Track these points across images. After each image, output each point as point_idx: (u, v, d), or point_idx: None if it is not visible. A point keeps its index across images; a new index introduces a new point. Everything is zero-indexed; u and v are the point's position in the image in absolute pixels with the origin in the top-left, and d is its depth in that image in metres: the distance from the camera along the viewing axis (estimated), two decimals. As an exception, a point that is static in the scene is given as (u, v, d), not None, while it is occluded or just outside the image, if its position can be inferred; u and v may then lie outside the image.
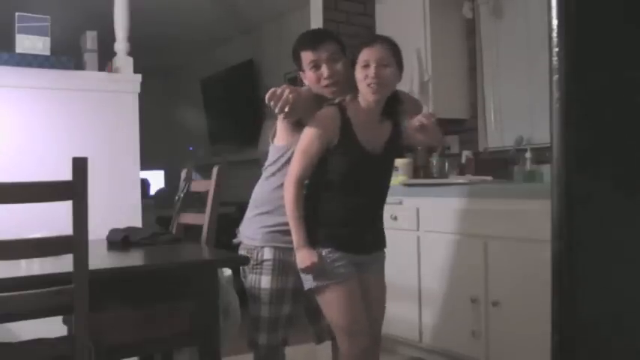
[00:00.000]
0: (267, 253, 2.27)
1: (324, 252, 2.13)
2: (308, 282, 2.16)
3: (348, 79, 2.24)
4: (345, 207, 2.18)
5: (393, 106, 2.26)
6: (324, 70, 2.24)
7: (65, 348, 1.71)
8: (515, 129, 3.53)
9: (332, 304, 2.14)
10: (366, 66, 2.13)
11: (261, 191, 2.38)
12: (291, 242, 2.24)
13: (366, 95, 2.16)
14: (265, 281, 2.26)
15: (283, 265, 2.26)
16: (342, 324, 2.14)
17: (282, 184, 2.27)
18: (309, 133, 2.16)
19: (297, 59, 2.31)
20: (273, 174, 2.32)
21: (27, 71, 2.97)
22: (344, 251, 2.15)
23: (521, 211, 2.75)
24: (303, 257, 2.12)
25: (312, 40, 2.29)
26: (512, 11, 3.63)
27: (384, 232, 2.33)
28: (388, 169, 2.33)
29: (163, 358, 2.55)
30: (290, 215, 2.14)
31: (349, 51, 2.27)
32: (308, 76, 2.29)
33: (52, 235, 1.75)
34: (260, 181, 2.39)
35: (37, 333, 1.78)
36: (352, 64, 2.20)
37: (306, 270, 2.12)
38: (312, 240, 2.14)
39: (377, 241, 2.30)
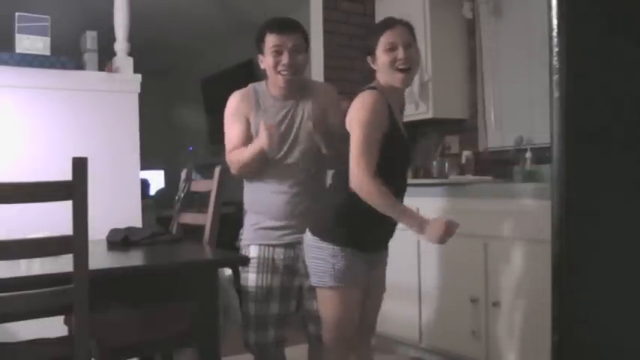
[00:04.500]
0: (253, 251, 2.29)
1: (340, 254, 2.05)
2: (317, 279, 2.10)
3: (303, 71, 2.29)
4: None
5: None
6: (285, 57, 2.24)
7: (65, 348, 1.71)
8: (515, 129, 3.53)
9: (331, 305, 2.10)
10: (392, 49, 2.06)
11: (246, 190, 2.41)
12: (278, 238, 2.24)
13: (393, 81, 2.07)
14: (252, 279, 2.27)
15: (269, 263, 2.27)
16: (335, 326, 2.11)
17: (260, 182, 2.28)
18: (364, 123, 1.98)
19: (260, 42, 2.30)
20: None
21: (27, 71, 2.97)
22: (362, 251, 2.09)
23: (521, 211, 2.75)
24: (435, 229, 1.94)
25: (281, 25, 2.28)
26: (512, 11, 3.63)
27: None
28: (411, 157, 2.28)
29: (163, 358, 2.55)
30: (386, 211, 1.96)
31: (362, 42, 2.24)
32: (266, 61, 2.28)
33: (52, 235, 1.75)
34: (245, 179, 2.41)
35: (37, 333, 1.78)
36: (368, 52, 2.12)
37: (447, 237, 1.95)
38: (332, 237, 2.06)
39: (388, 238, 2.25)
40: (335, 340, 2.13)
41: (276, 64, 2.25)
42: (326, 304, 2.12)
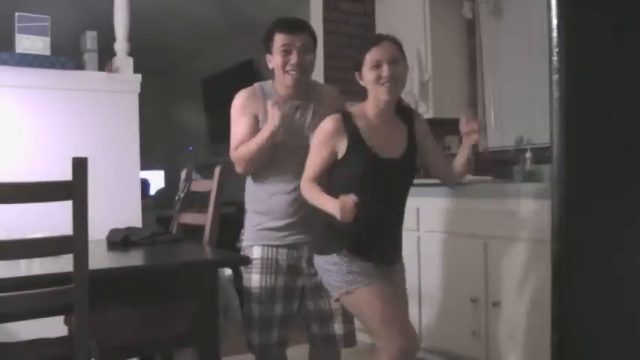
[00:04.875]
0: (256, 252, 2.28)
1: (344, 258, 2.07)
2: (335, 290, 2.11)
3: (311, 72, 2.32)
4: (360, 215, 2.04)
5: (402, 106, 2.24)
6: (294, 57, 2.24)
7: (65, 348, 1.71)
8: (515, 129, 3.53)
9: (363, 307, 2.08)
10: (377, 66, 2.09)
11: (248, 190, 2.40)
12: (280, 239, 2.25)
13: (379, 96, 2.12)
14: (255, 280, 2.27)
15: (273, 264, 2.27)
16: (379, 326, 2.06)
17: (263, 182, 2.28)
18: (315, 141, 2.16)
19: (268, 41, 2.30)
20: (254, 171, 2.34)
21: (27, 71, 2.97)
22: (357, 255, 2.10)
23: (521, 211, 2.75)
24: (335, 207, 1.97)
25: (290, 25, 2.29)
26: (512, 11, 3.63)
27: (401, 243, 2.26)
28: (408, 175, 2.24)
29: (163, 358, 2.55)
30: (313, 202, 2.11)
31: (357, 54, 2.23)
32: (275, 60, 2.28)
33: (52, 235, 1.75)
34: (247, 179, 2.40)
35: (37, 333, 1.78)
36: (356, 67, 2.16)
37: (345, 213, 1.96)
38: (329, 248, 2.11)
39: (396, 253, 2.25)
40: (386, 340, 2.04)
41: (284, 64, 2.25)
42: (353, 310, 2.14)
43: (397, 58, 2.12)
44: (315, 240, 2.21)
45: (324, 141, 2.14)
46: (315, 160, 2.16)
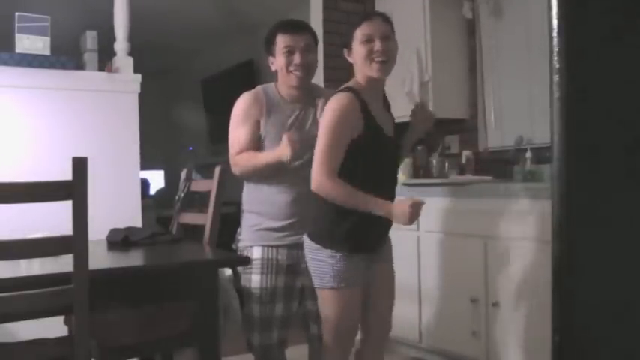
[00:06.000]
0: (256, 252, 2.29)
1: (337, 255, 2.06)
2: (320, 280, 2.10)
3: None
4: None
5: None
6: (297, 57, 2.26)
7: (65, 348, 1.71)
8: (515, 129, 3.53)
9: (332, 305, 2.10)
10: (369, 41, 2.03)
11: (246, 191, 2.41)
12: (280, 239, 2.25)
13: (370, 72, 2.05)
14: (255, 280, 2.27)
15: (273, 264, 2.27)
16: (336, 326, 2.11)
17: (262, 183, 2.28)
18: (332, 126, 2.00)
19: (270, 42, 2.31)
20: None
21: (27, 71, 2.97)
22: (358, 252, 2.09)
23: (521, 211, 2.75)
24: (399, 211, 1.94)
25: (292, 26, 2.31)
26: (512, 11, 3.63)
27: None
28: (397, 154, 2.25)
29: (163, 358, 2.55)
30: (349, 204, 2.00)
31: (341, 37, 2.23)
32: (278, 61, 2.30)
33: (52, 235, 1.75)
34: (245, 181, 2.41)
35: (37, 333, 1.78)
36: (346, 45, 2.11)
37: (414, 218, 1.94)
38: (328, 242, 2.08)
39: (384, 236, 2.24)
40: (335, 340, 2.13)
41: (288, 64, 2.26)
42: (327, 305, 2.13)
43: (388, 34, 2.07)
44: (313, 226, 2.15)
45: (342, 124, 1.98)
46: (335, 149, 1.98)
